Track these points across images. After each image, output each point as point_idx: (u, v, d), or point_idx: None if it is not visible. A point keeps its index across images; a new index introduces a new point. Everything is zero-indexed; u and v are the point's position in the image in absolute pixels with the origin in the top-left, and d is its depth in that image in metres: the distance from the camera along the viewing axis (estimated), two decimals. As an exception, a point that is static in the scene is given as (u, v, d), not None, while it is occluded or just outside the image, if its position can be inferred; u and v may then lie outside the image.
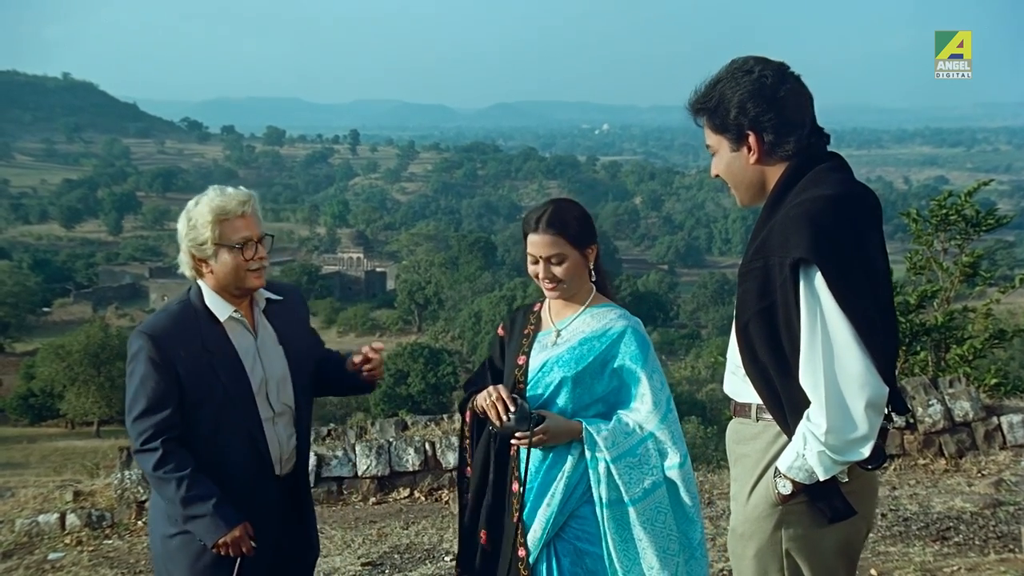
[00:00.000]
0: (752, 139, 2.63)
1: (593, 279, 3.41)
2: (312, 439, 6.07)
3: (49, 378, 48.60)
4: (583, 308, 3.39)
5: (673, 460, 3.23)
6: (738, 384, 2.75)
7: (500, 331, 3.58)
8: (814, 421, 2.44)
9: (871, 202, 2.61)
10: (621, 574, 3.18)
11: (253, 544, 3.24)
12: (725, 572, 5.36)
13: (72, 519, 7.33)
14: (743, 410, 2.74)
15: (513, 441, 3.23)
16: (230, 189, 3.29)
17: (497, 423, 3.23)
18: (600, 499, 3.19)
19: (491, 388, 3.29)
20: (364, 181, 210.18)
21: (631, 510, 3.17)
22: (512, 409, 3.21)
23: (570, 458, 3.25)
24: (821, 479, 2.49)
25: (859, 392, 2.40)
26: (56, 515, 7.38)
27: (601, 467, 3.19)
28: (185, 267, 3.33)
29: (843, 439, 2.42)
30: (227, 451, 3.27)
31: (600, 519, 3.20)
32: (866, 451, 2.44)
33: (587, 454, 3.21)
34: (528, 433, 3.17)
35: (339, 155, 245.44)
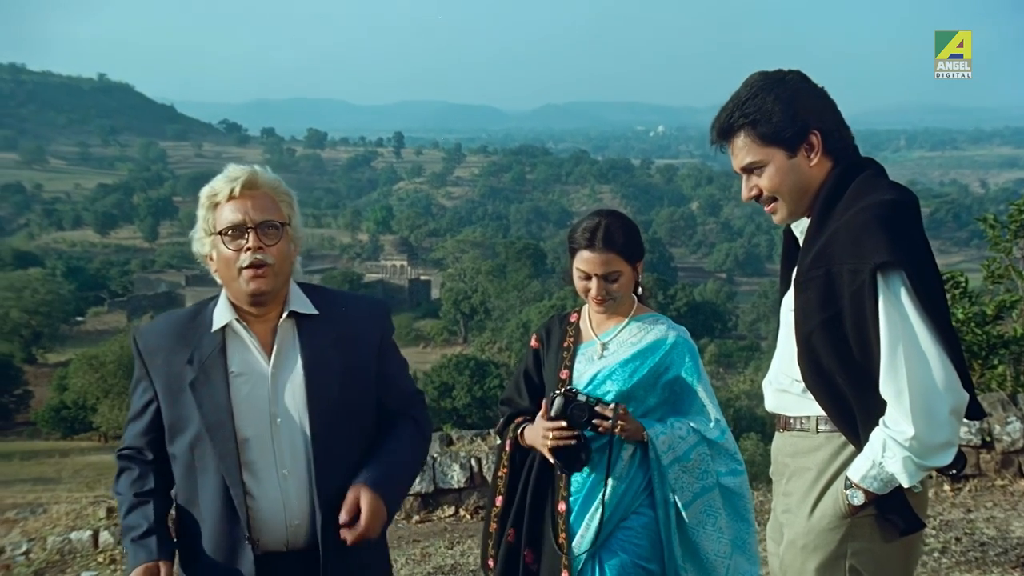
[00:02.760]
0: (815, 137, 2.66)
1: (638, 291, 3.44)
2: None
3: (82, 390, 49.30)
4: (628, 319, 3.44)
5: (735, 466, 3.35)
6: (791, 398, 2.79)
7: (534, 343, 3.62)
8: (896, 428, 2.47)
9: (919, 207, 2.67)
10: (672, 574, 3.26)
11: None
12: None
13: (106, 536, 7.40)
14: (799, 423, 2.77)
15: (600, 429, 3.23)
16: (232, 166, 2.79)
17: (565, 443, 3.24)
18: (663, 500, 3.26)
19: (542, 427, 3.28)
20: (408, 185, 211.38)
21: (684, 513, 3.24)
22: (557, 410, 3.23)
23: (619, 463, 3.30)
24: (906, 486, 2.52)
25: (944, 397, 2.45)
26: (89, 532, 7.45)
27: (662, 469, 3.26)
28: (212, 273, 2.85)
29: (929, 444, 2.46)
30: (199, 499, 2.74)
31: (660, 520, 3.26)
32: (950, 456, 2.50)
33: (650, 455, 3.26)
34: (611, 413, 3.20)
35: (383, 158, 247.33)
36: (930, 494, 2.73)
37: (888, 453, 2.48)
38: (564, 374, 3.41)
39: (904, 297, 2.45)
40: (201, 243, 2.78)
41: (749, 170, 2.73)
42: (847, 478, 2.59)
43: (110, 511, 7.75)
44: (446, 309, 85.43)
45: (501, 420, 3.60)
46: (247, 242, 2.68)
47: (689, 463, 3.26)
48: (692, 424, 3.30)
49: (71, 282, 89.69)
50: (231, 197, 2.71)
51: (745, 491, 3.34)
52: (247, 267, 2.68)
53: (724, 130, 2.74)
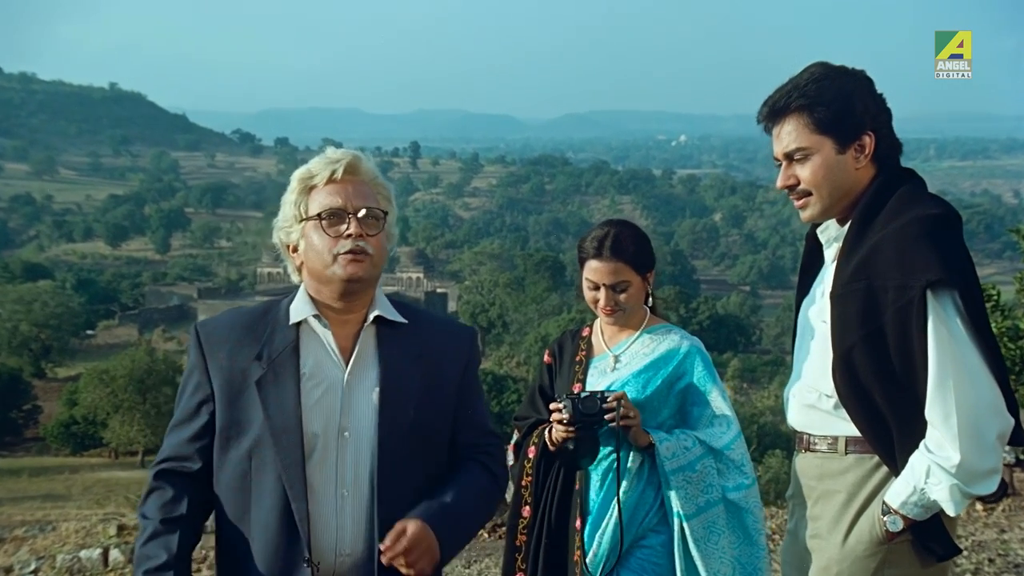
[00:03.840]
0: (868, 139, 2.63)
1: (649, 302, 3.44)
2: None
3: (92, 405, 49.29)
4: (640, 331, 3.44)
5: (741, 480, 3.29)
6: (818, 414, 2.75)
7: (547, 358, 3.64)
8: (942, 454, 2.43)
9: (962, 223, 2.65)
10: None
11: None
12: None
13: (116, 555, 7.42)
14: (825, 443, 2.73)
15: (612, 423, 3.20)
16: (331, 149, 2.63)
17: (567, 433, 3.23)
18: (674, 511, 3.23)
19: (554, 421, 3.29)
20: (425, 196, 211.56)
21: (684, 526, 3.21)
22: (568, 412, 3.21)
23: (627, 474, 3.29)
24: (951, 514, 2.50)
25: (991, 423, 2.43)
26: (99, 550, 7.48)
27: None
28: (289, 267, 2.68)
29: (975, 471, 2.43)
30: (251, 513, 2.48)
31: (674, 531, 3.23)
32: (995, 484, 2.47)
33: (657, 461, 3.24)
34: (615, 409, 3.18)
35: (399, 169, 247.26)
36: (960, 514, 2.70)
37: (932, 480, 2.44)
38: (577, 388, 3.40)
39: (955, 317, 2.43)
40: (287, 232, 2.60)
41: (792, 157, 2.69)
42: (885, 504, 2.55)
43: (120, 529, 7.78)
44: (463, 322, 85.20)
45: (518, 434, 3.59)
46: (347, 228, 2.50)
47: (694, 474, 3.23)
48: (699, 436, 3.28)
49: (81, 295, 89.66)
50: (330, 180, 2.54)
51: (754, 506, 3.29)
52: (346, 253, 2.50)
53: (777, 110, 2.69)
